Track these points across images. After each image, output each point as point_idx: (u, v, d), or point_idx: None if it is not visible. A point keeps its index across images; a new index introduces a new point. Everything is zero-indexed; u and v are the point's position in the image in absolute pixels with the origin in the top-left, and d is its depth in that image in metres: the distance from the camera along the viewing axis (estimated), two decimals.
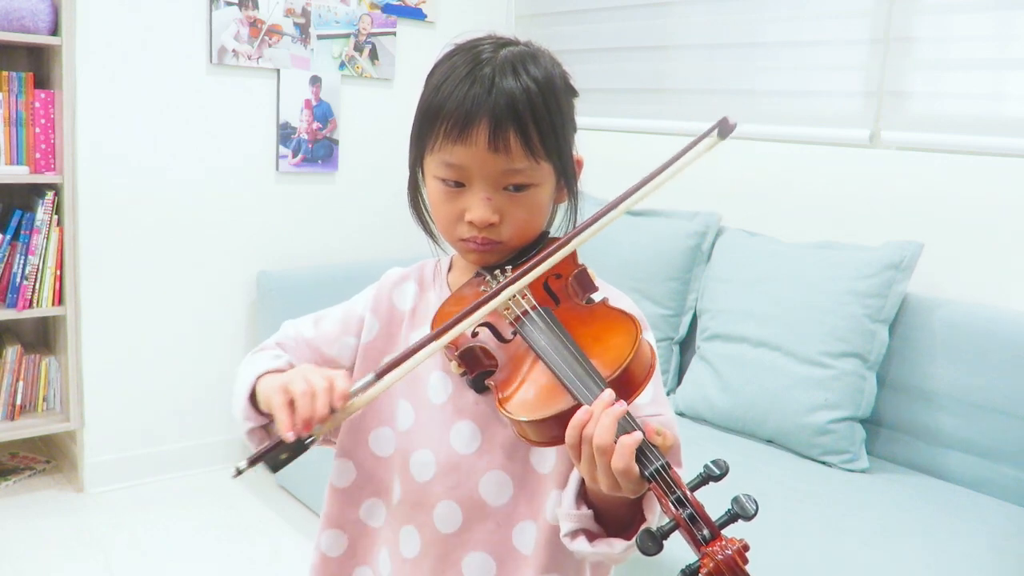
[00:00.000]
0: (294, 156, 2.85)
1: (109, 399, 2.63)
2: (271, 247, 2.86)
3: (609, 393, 0.73)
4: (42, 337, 2.77)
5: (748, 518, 0.67)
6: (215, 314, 2.79)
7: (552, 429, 0.76)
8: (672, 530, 0.68)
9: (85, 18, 2.41)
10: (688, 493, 0.68)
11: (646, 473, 0.69)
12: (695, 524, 0.67)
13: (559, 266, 0.87)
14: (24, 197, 2.55)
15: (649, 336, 0.90)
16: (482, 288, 0.91)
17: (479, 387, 0.89)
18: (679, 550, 0.68)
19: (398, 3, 2.99)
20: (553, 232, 0.98)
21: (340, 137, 2.94)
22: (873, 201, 2.20)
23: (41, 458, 2.80)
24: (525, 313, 0.85)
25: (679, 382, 2.32)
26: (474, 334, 0.86)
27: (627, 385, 0.76)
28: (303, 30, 2.79)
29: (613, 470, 0.71)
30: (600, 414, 0.72)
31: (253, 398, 0.89)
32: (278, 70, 2.77)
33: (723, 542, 0.65)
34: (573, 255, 0.89)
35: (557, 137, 0.89)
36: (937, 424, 1.91)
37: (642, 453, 0.70)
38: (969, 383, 1.86)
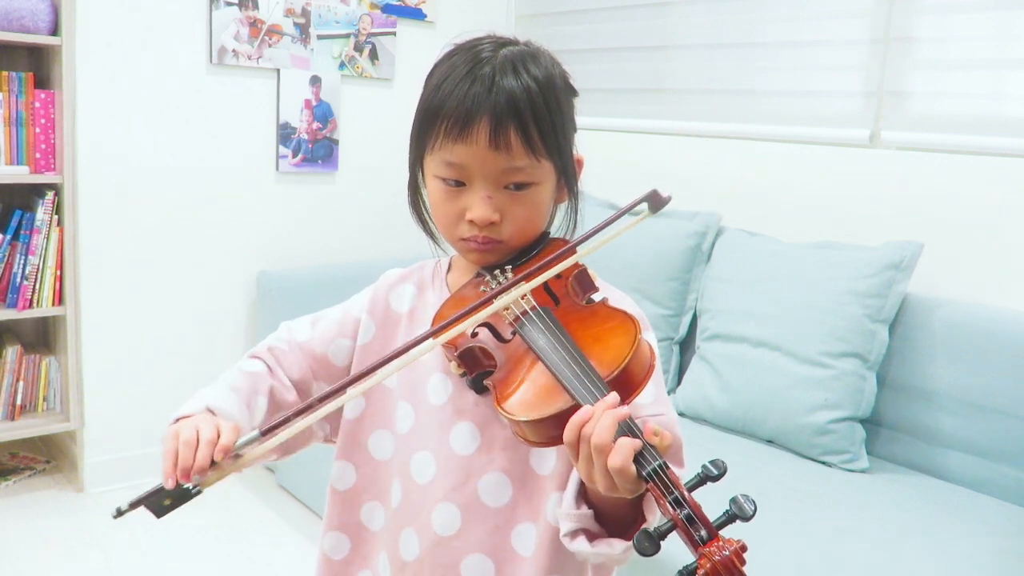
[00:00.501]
0: (294, 156, 2.85)
1: (109, 399, 2.63)
2: (271, 247, 2.86)
3: (614, 396, 0.73)
4: (42, 337, 2.77)
5: (746, 519, 0.67)
6: (215, 314, 2.79)
7: (550, 429, 0.76)
8: (670, 530, 0.67)
9: (85, 18, 2.41)
10: (686, 493, 0.68)
11: (643, 473, 0.69)
12: (692, 525, 0.66)
13: (559, 263, 0.87)
14: (24, 197, 2.55)
15: (650, 336, 0.90)
16: (482, 288, 0.91)
17: (479, 388, 0.89)
18: (679, 551, 0.68)
19: (398, 3, 2.99)
20: (553, 232, 0.98)
21: (340, 137, 2.94)
22: (873, 201, 2.20)
23: (41, 458, 2.80)
24: (524, 313, 0.84)
25: (679, 382, 2.32)
26: (473, 334, 0.86)
27: (626, 385, 0.76)
28: (303, 30, 2.79)
29: (610, 469, 0.70)
30: (601, 414, 0.72)
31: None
32: (278, 70, 2.77)
33: (720, 543, 0.65)
34: (573, 251, 0.88)
35: (557, 135, 0.89)
36: (937, 424, 1.91)
37: (640, 453, 0.70)
38: (969, 383, 1.86)
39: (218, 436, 0.79)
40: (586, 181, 0.99)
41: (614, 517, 0.80)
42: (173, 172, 2.64)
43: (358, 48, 2.92)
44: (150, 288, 2.66)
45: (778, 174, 2.40)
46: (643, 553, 0.68)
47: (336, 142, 2.93)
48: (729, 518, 0.67)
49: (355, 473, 1.00)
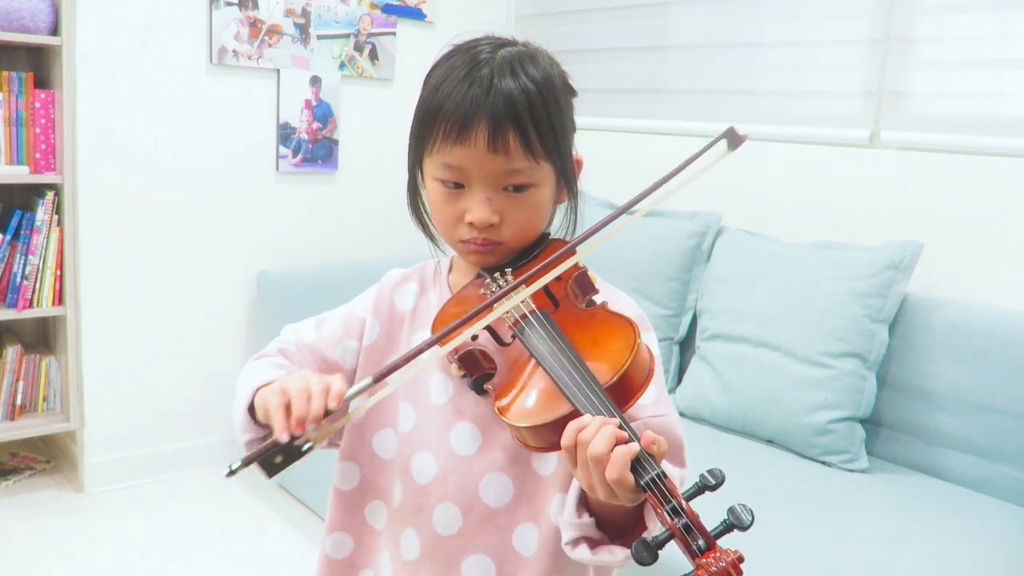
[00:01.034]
0: (294, 156, 2.85)
1: (109, 399, 2.63)
2: (271, 247, 2.86)
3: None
4: (42, 337, 2.77)
5: (743, 528, 0.66)
6: (215, 314, 2.79)
7: (550, 435, 0.76)
8: (667, 540, 0.67)
9: (85, 18, 2.41)
10: (683, 503, 0.67)
11: (641, 482, 0.69)
12: (690, 534, 0.66)
13: (560, 263, 0.86)
14: (24, 197, 2.55)
15: (650, 336, 0.90)
16: (482, 291, 0.91)
17: (479, 389, 0.89)
18: (678, 558, 0.68)
19: (398, 3, 2.99)
20: (553, 233, 0.98)
21: (340, 137, 2.94)
22: (873, 201, 2.20)
23: (41, 458, 2.80)
24: (524, 317, 0.84)
25: (679, 382, 2.32)
26: (474, 337, 0.86)
27: (625, 390, 0.76)
28: (303, 30, 2.79)
29: (608, 479, 0.70)
30: (599, 427, 0.71)
31: (252, 410, 0.88)
32: (278, 70, 2.77)
33: (717, 553, 0.65)
34: (573, 251, 0.88)
35: (556, 137, 0.89)
36: (937, 424, 1.91)
37: (637, 462, 0.70)
38: (969, 383, 1.86)
39: (329, 386, 0.78)
40: (585, 181, 0.99)
41: (615, 523, 0.80)
42: (173, 172, 2.64)
43: (358, 48, 2.92)
44: (150, 288, 2.66)
45: (778, 174, 2.40)
46: (641, 562, 0.67)
47: (336, 142, 2.93)
48: (726, 528, 0.67)
49: (359, 473, 1.00)
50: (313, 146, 2.88)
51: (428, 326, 0.93)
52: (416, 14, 3.04)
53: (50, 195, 2.43)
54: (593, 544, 0.79)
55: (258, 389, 0.85)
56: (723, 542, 0.66)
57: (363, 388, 0.79)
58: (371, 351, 1.00)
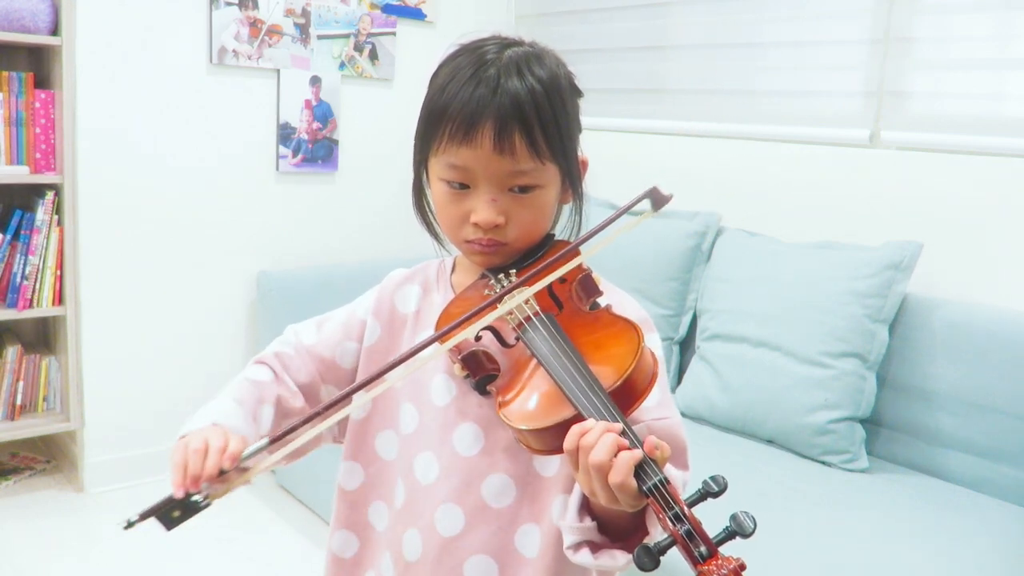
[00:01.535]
0: (294, 156, 2.85)
1: (109, 399, 2.63)
2: (271, 247, 2.86)
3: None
4: (42, 337, 2.77)
5: (746, 536, 0.66)
6: (215, 314, 2.79)
7: (553, 438, 0.76)
8: (669, 546, 0.67)
9: (85, 18, 2.41)
10: (686, 509, 0.67)
11: (644, 488, 0.69)
12: (692, 541, 0.66)
13: (561, 264, 0.86)
14: (24, 197, 2.55)
15: (654, 338, 0.89)
16: (487, 292, 0.90)
17: (482, 390, 0.89)
18: (681, 564, 0.68)
19: (398, 3, 2.99)
20: (558, 234, 0.98)
21: (340, 137, 2.94)
22: (873, 201, 2.20)
23: (41, 458, 2.80)
24: (528, 319, 0.84)
25: (679, 382, 2.32)
26: (477, 338, 0.86)
27: (629, 395, 0.76)
28: (303, 30, 2.79)
29: (610, 484, 0.70)
30: (601, 433, 0.71)
31: None
32: (278, 70, 2.77)
33: (720, 560, 0.65)
34: (576, 252, 0.88)
35: (562, 138, 0.89)
36: (937, 424, 1.92)
37: (640, 468, 0.70)
38: (969, 383, 1.86)
39: (227, 445, 0.79)
40: (587, 181, 0.99)
41: (617, 526, 0.80)
42: (173, 172, 2.64)
43: (358, 48, 2.92)
44: (150, 288, 2.66)
45: (778, 174, 2.40)
46: (643, 569, 0.67)
47: (336, 142, 2.93)
48: (729, 535, 0.67)
49: (363, 473, 1.00)
50: (313, 146, 2.88)
51: (430, 327, 0.93)
52: (416, 14, 3.04)
53: (50, 195, 2.43)
54: (595, 548, 0.79)
55: (182, 437, 0.86)
56: (725, 549, 0.66)
57: (259, 449, 0.80)
58: (371, 352, 1.00)
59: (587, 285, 0.89)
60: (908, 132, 2.15)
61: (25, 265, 2.43)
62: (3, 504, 2.51)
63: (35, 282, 2.45)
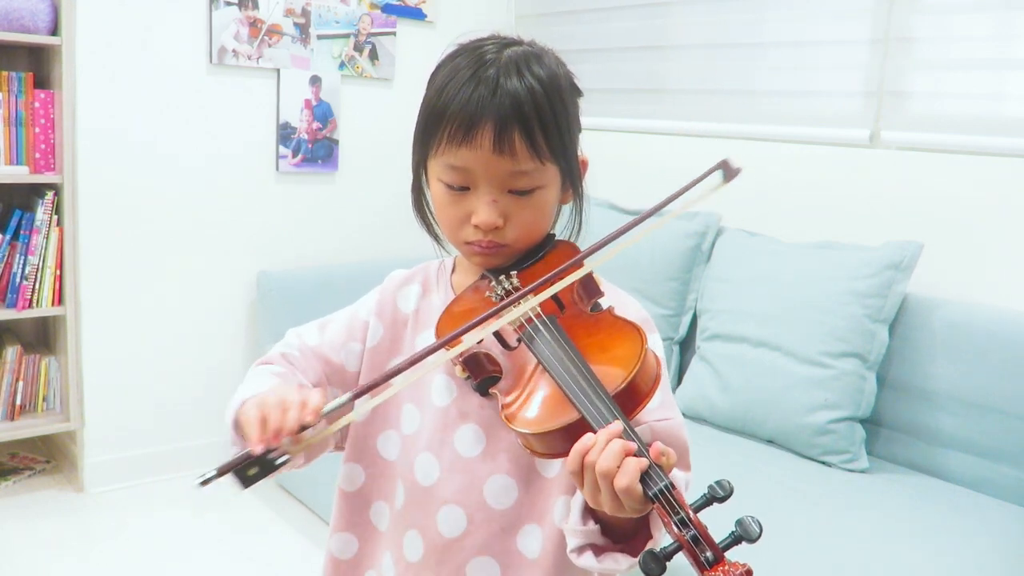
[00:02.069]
0: (294, 156, 2.85)
1: (109, 399, 2.63)
2: (271, 247, 2.86)
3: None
4: (42, 337, 2.77)
5: (752, 541, 0.66)
6: (215, 314, 2.79)
7: (557, 442, 0.76)
8: (675, 551, 0.67)
9: (85, 18, 2.41)
10: (692, 514, 0.67)
11: (649, 493, 0.69)
12: (698, 546, 0.66)
13: (568, 275, 0.85)
14: (24, 197, 2.55)
15: (655, 339, 0.89)
16: (487, 294, 0.90)
17: (483, 391, 0.88)
18: (687, 569, 0.68)
19: (398, 3, 2.99)
20: (558, 234, 0.98)
21: (340, 137, 2.94)
22: (873, 201, 2.20)
23: (41, 458, 2.80)
24: (530, 321, 0.84)
25: (679, 382, 2.32)
26: (479, 340, 0.86)
27: (633, 397, 0.76)
28: (303, 30, 2.79)
29: (616, 489, 0.70)
30: (605, 443, 0.71)
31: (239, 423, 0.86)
32: (278, 70, 2.77)
33: (726, 566, 0.64)
34: (581, 264, 0.87)
35: (563, 138, 0.88)
36: (937, 424, 1.91)
37: (646, 473, 0.69)
38: (969, 383, 1.86)
39: (306, 400, 0.77)
40: (587, 181, 0.99)
41: (620, 529, 0.80)
42: (173, 172, 2.64)
43: (358, 48, 2.92)
44: (150, 288, 2.66)
45: (778, 174, 2.40)
46: (648, 574, 0.67)
47: (336, 142, 2.93)
48: (735, 540, 0.67)
49: (364, 474, 1.00)
50: (313, 146, 2.88)
51: (431, 327, 0.92)
52: (416, 14, 3.04)
53: (50, 195, 2.43)
54: (598, 551, 0.79)
55: (244, 403, 0.84)
56: (731, 554, 0.66)
57: (341, 404, 0.78)
58: (374, 353, 0.99)
59: (589, 286, 0.89)
60: (908, 132, 2.15)
61: (25, 265, 2.43)
62: (3, 504, 2.51)
63: (35, 282, 2.45)
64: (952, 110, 2.11)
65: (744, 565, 0.64)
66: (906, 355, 1.97)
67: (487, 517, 0.91)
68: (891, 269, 1.95)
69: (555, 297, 0.87)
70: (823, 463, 1.95)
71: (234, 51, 2.66)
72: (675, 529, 0.67)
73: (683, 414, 2.30)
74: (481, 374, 0.87)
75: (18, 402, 2.52)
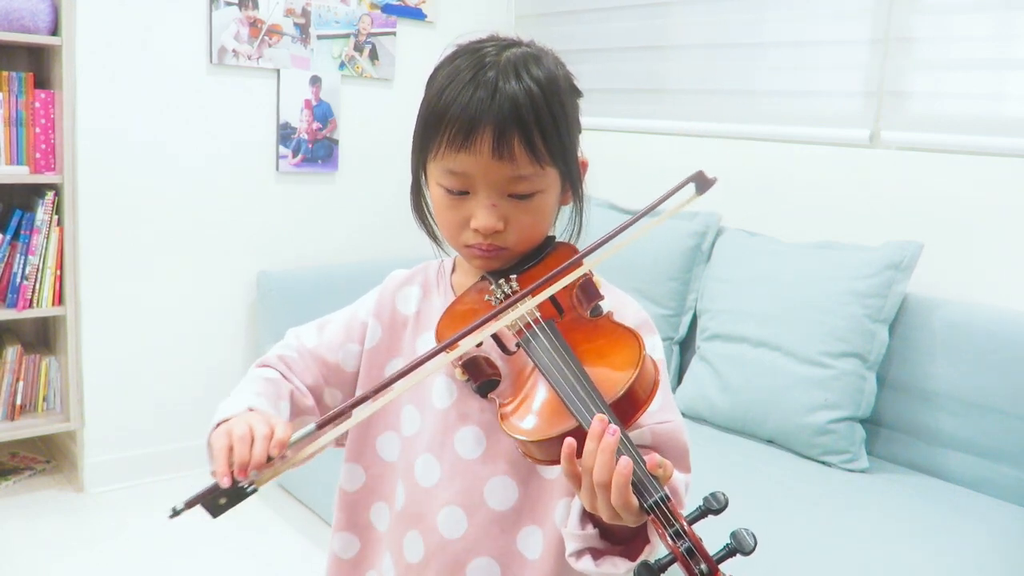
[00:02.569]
0: (294, 156, 2.85)
1: (109, 399, 2.63)
2: (271, 247, 2.86)
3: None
4: (42, 337, 2.77)
5: (746, 553, 0.66)
6: (215, 314, 2.79)
7: (554, 449, 0.76)
8: (670, 563, 0.67)
9: (85, 18, 2.41)
10: (686, 526, 0.67)
11: (645, 505, 0.69)
12: (692, 558, 0.66)
13: (565, 275, 0.85)
14: (24, 197, 2.55)
15: (655, 340, 0.89)
16: (487, 297, 0.90)
17: (483, 394, 0.88)
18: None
19: (398, 3, 2.99)
20: (558, 236, 0.98)
21: (340, 137, 2.94)
22: (873, 201, 2.20)
23: (41, 458, 2.80)
24: (528, 326, 0.84)
25: (679, 382, 2.32)
26: (478, 344, 0.85)
27: (631, 406, 0.76)
28: (303, 30, 2.79)
29: (612, 504, 0.70)
30: (595, 449, 0.71)
31: None
32: (278, 70, 2.77)
33: None
34: (579, 264, 0.87)
35: (562, 141, 0.88)
36: (937, 424, 1.92)
37: (642, 485, 0.70)
38: (969, 383, 1.86)
39: (272, 431, 0.77)
40: (587, 182, 0.99)
41: (619, 532, 0.80)
42: (173, 172, 2.64)
43: (358, 48, 2.92)
44: (150, 288, 2.66)
45: (778, 174, 2.40)
46: None
47: (336, 142, 2.93)
48: (729, 552, 0.67)
49: (364, 474, 1.00)
50: (313, 146, 2.88)
51: (431, 329, 0.92)
52: (416, 14, 3.04)
53: (50, 195, 2.43)
54: (597, 555, 0.79)
55: (217, 426, 0.84)
56: (726, 567, 0.66)
57: (306, 434, 0.78)
58: (373, 354, 0.99)
59: (588, 290, 0.88)
60: (908, 132, 2.15)
61: (25, 265, 2.43)
62: (3, 504, 2.51)
63: (35, 282, 2.45)
64: (952, 110, 2.11)
65: None
66: (906, 355, 1.97)
67: (488, 518, 0.91)
68: (891, 269, 1.95)
69: (555, 301, 0.86)
70: (823, 463, 1.95)
71: (234, 51, 2.66)
72: (670, 541, 0.67)
73: (683, 414, 2.30)
74: (480, 377, 0.87)
75: (18, 402, 2.52)
